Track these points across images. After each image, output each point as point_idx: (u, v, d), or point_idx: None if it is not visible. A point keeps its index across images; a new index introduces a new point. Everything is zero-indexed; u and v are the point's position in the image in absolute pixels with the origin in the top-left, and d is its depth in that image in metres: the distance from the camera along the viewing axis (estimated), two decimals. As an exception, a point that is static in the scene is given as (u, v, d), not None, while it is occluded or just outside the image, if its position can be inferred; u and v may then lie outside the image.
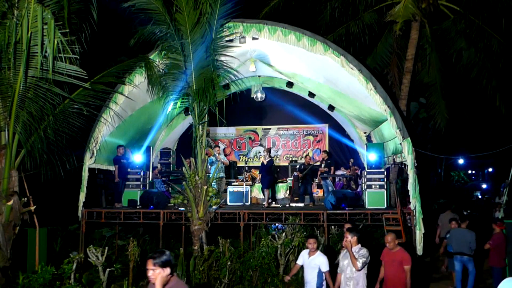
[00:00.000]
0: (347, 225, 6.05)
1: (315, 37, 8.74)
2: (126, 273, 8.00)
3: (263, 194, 10.76)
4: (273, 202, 10.73)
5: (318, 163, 11.22)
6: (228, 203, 10.36)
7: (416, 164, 8.32)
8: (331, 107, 12.17)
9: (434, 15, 12.01)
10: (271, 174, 10.15)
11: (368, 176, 9.60)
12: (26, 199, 7.01)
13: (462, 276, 7.64)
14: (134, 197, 10.13)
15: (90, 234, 10.09)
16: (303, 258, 5.72)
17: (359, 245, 5.17)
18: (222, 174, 10.99)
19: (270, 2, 12.90)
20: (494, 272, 7.57)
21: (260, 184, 11.29)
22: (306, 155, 11.89)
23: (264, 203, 10.11)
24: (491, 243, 7.55)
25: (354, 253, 5.07)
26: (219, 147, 12.52)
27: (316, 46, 8.67)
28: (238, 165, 13.56)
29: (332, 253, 8.65)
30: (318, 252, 5.58)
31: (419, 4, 11.09)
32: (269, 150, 10.72)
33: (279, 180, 12.50)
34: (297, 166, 11.53)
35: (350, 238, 5.14)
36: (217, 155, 11.32)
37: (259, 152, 13.41)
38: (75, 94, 7.16)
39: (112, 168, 10.47)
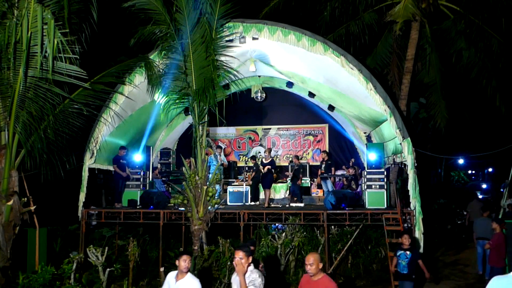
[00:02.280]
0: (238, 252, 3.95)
1: (315, 37, 8.74)
2: (126, 273, 8.00)
3: (250, 194, 10.72)
4: (258, 202, 10.77)
5: (306, 162, 11.34)
6: (228, 203, 10.36)
7: (416, 164, 8.32)
8: (331, 107, 12.16)
9: (434, 15, 12.00)
10: (271, 174, 10.15)
11: (368, 176, 9.60)
12: (26, 199, 7.01)
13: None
14: (134, 197, 10.13)
15: (90, 234, 10.09)
16: (169, 284, 4.19)
17: (251, 267, 3.94)
18: (220, 176, 10.96)
19: (270, 2, 12.89)
20: (494, 272, 7.57)
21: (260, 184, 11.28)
22: (295, 156, 11.78)
23: (253, 201, 10.15)
24: (492, 243, 7.55)
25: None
26: (221, 148, 12.46)
27: (316, 46, 8.68)
28: (238, 165, 13.56)
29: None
30: (189, 275, 4.11)
31: (419, 4, 11.08)
32: (269, 151, 10.71)
33: (279, 180, 12.50)
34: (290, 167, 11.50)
35: (242, 258, 3.84)
36: (218, 156, 11.29)
37: (259, 152, 13.40)
38: (75, 94, 7.16)
39: (112, 168, 10.49)
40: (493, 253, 7.55)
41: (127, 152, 10.47)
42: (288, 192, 11.98)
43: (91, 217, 9.70)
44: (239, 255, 3.84)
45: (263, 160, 10.44)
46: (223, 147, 12.92)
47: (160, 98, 8.55)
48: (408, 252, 6.26)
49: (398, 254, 6.40)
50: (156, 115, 10.79)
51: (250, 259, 3.92)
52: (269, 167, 10.10)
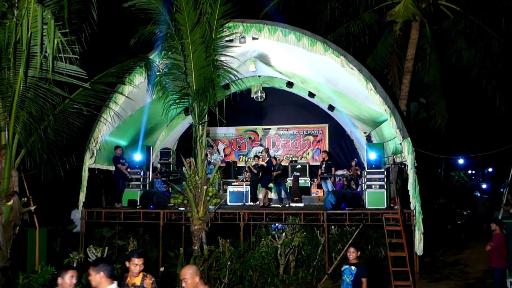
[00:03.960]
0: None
1: (315, 37, 8.74)
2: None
3: (250, 194, 10.71)
4: (258, 202, 10.74)
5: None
6: (228, 203, 10.36)
7: (416, 164, 8.32)
8: (331, 107, 12.16)
9: (434, 15, 12.01)
10: (269, 174, 10.15)
11: (368, 176, 9.60)
12: (26, 199, 7.00)
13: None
14: (134, 197, 10.13)
15: (90, 234, 10.09)
16: None
17: (115, 285, 3.75)
18: None
19: (270, 2, 12.90)
20: (495, 273, 7.55)
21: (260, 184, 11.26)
22: (273, 156, 11.63)
23: (253, 201, 10.16)
24: (492, 244, 7.53)
25: None
26: (212, 147, 12.34)
27: (316, 46, 8.68)
28: (238, 165, 13.55)
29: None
30: None
31: (419, 4, 11.09)
32: (267, 150, 10.69)
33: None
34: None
35: (97, 277, 3.56)
36: (208, 155, 11.13)
37: (259, 152, 13.40)
38: (75, 94, 7.16)
39: (112, 168, 10.48)
40: (494, 254, 7.53)
41: (123, 151, 10.48)
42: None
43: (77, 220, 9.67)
44: (92, 273, 3.55)
45: (261, 161, 10.41)
46: (221, 147, 12.82)
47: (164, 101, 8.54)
48: (353, 268, 5.18)
49: (343, 269, 5.35)
50: (152, 115, 10.77)
51: (102, 276, 3.60)
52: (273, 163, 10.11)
